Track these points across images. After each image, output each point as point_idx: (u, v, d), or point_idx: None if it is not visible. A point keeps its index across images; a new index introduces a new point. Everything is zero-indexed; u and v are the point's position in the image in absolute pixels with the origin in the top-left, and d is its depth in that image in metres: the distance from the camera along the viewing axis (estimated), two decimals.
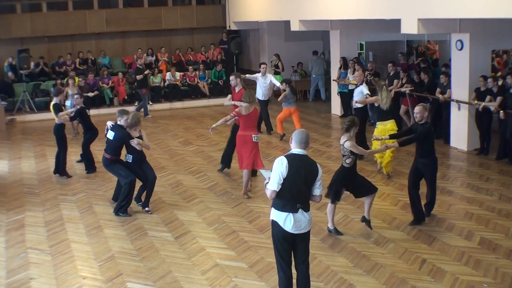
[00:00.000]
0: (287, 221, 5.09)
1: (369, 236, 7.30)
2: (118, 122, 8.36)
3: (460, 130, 11.49)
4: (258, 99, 12.68)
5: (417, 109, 7.47)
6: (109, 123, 8.47)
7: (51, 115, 10.68)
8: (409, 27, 10.60)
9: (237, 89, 10.19)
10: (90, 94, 13.10)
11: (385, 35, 15.93)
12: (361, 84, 11.01)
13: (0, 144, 13.64)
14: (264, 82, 13.15)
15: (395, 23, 11.15)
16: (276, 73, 17.43)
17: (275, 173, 5.03)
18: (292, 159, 5.06)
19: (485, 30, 10.81)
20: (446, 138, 11.95)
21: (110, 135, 8.34)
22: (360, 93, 10.89)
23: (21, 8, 18.84)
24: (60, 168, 10.51)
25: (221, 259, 6.77)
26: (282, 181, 5.02)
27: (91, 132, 10.72)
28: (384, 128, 9.67)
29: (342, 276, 6.22)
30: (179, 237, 7.50)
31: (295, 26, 15.43)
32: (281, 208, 5.10)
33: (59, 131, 10.42)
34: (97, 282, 6.28)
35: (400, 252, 6.79)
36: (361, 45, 17.96)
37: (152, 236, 7.55)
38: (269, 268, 6.45)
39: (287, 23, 17.01)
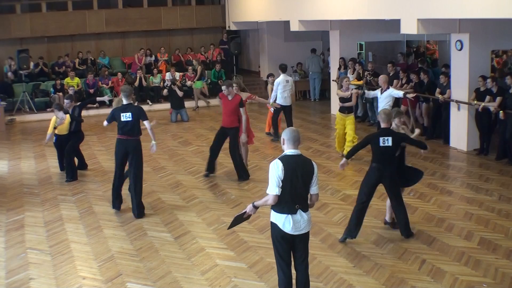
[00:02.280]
0: (286, 222, 5.07)
1: (368, 236, 7.30)
2: (125, 102, 8.18)
3: (460, 130, 11.49)
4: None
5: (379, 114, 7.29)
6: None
7: (50, 115, 10.69)
8: (409, 27, 10.60)
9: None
10: (105, 99, 12.76)
11: (385, 35, 15.93)
12: (387, 88, 10.62)
13: (0, 144, 13.63)
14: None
15: (395, 23, 11.15)
16: (199, 79, 17.60)
17: (273, 178, 4.98)
18: (287, 161, 5.02)
19: (484, 30, 10.81)
20: (446, 138, 11.96)
21: (127, 116, 8.03)
22: (389, 96, 10.52)
23: (21, 8, 18.84)
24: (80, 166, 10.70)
25: (221, 259, 6.77)
26: (281, 184, 4.98)
27: (78, 134, 10.52)
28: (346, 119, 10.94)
29: (342, 277, 6.22)
30: (179, 237, 7.50)
31: (294, 26, 15.43)
32: (279, 210, 5.08)
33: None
34: (96, 282, 6.28)
35: (399, 253, 6.79)
36: (361, 45, 17.97)
37: (151, 236, 7.55)
38: (268, 268, 6.46)
39: (286, 23, 17.01)
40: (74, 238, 7.59)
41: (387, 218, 7.57)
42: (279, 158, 5.05)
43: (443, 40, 17.12)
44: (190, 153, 12.10)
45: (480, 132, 11.08)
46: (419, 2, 10.28)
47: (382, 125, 7.03)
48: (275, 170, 4.98)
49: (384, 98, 10.54)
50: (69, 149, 10.30)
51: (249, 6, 18.44)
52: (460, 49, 11.14)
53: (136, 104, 8.37)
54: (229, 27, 20.26)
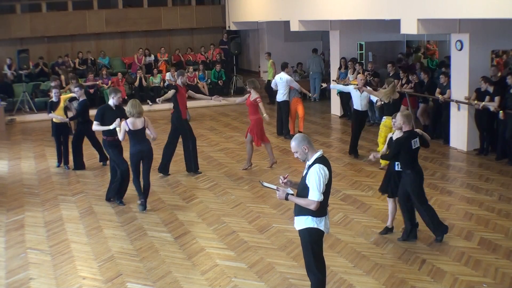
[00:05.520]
0: (326, 223, 5.12)
1: (368, 237, 7.30)
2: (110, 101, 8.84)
3: (460, 130, 11.49)
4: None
5: (397, 117, 7.07)
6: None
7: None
8: (409, 28, 10.60)
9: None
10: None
11: (385, 35, 15.93)
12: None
13: (0, 144, 13.63)
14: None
15: (395, 23, 11.15)
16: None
17: (320, 183, 4.87)
18: (327, 164, 5.00)
19: (484, 30, 10.80)
20: (446, 138, 11.95)
21: None
22: (367, 97, 10.81)
23: (21, 8, 18.86)
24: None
25: (221, 259, 6.77)
26: (325, 189, 4.94)
27: (86, 125, 10.51)
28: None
29: (342, 277, 6.22)
30: (179, 237, 7.50)
31: (294, 26, 15.43)
32: (320, 213, 5.03)
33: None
34: (96, 283, 6.28)
35: (399, 253, 6.79)
36: (361, 45, 17.98)
37: (151, 236, 7.55)
38: (268, 268, 6.46)
39: (286, 23, 17.01)
40: (74, 238, 7.58)
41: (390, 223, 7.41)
42: (320, 163, 4.94)
43: (443, 40, 17.13)
44: None
45: (480, 132, 11.07)
46: (419, 2, 10.27)
47: (406, 128, 6.87)
48: (323, 177, 4.90)
49: (364, 97, 10.79)
50: (78, 140, 10.76)
51: (249, 6, 18.44)
52: (460, 49, 11.14)
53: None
54: (229, 27, 20.26)
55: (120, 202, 8.75)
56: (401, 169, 6.98)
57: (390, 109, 9.79)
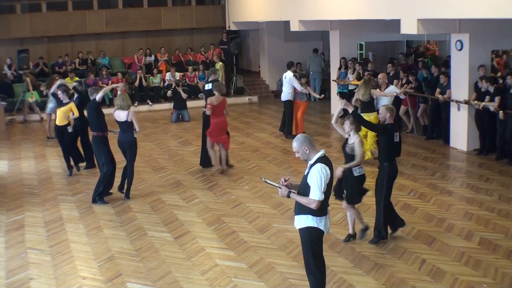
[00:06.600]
0: (326, 223, 5.12)
1: (368, 237, 7.29)
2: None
3: (460, 130, 11.49)
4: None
5: (380, 110, 7.13)
6: None
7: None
8: (409, 28, 10.60)
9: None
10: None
11: (385, 35, 15.94)
12: (387, 86, 11.03)
13: (0, 144, 13.63)
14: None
15: (395, 23, 11.16)
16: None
17: (321, 182, 4.88)
18: (329, 163, 5.00)
19: (484, 30, 10.81)
20: (446, 138, 11.96)
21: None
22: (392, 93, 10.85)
23: (21, 8, 18.86)
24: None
25: (221, 259, 6.77)
26: (326, 189, 4.95)
27: (82, 121, 10.63)
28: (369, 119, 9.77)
29: (342, 277, 6.22)
30: (179, 237, 7.50)
31: (294, 27, 15.44)
32: (320, 213, 5.03)
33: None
34: (96, 283, 6.28)
35: (399, 253, 6.79)
36: (361, 45, 17.99)
37: (151, 236, 7.55)
38: (268, 269, 6.46)
39: (286, 24, 17.02)
40: (74, 238, 7.58)
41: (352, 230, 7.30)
42: (322, 162, 4.95)
43: (443, 40, 17.14)
44: (190, 153, 12.08)
45: (480, 132, 11.08)
46: (419, 2, 10.28)
47: (390, 120, 6.90)
48: (324, 176, 4.90)
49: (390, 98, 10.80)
50: (82, 138, 10.87)
51: (249, 6, 18.44)
52: (460, 49, 11.15)
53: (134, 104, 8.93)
54: (229, 27, 20.26)
55: (102, 202, 8.86)
56: (360, 174, 6.86)
57: (368, 106, 10.12)
